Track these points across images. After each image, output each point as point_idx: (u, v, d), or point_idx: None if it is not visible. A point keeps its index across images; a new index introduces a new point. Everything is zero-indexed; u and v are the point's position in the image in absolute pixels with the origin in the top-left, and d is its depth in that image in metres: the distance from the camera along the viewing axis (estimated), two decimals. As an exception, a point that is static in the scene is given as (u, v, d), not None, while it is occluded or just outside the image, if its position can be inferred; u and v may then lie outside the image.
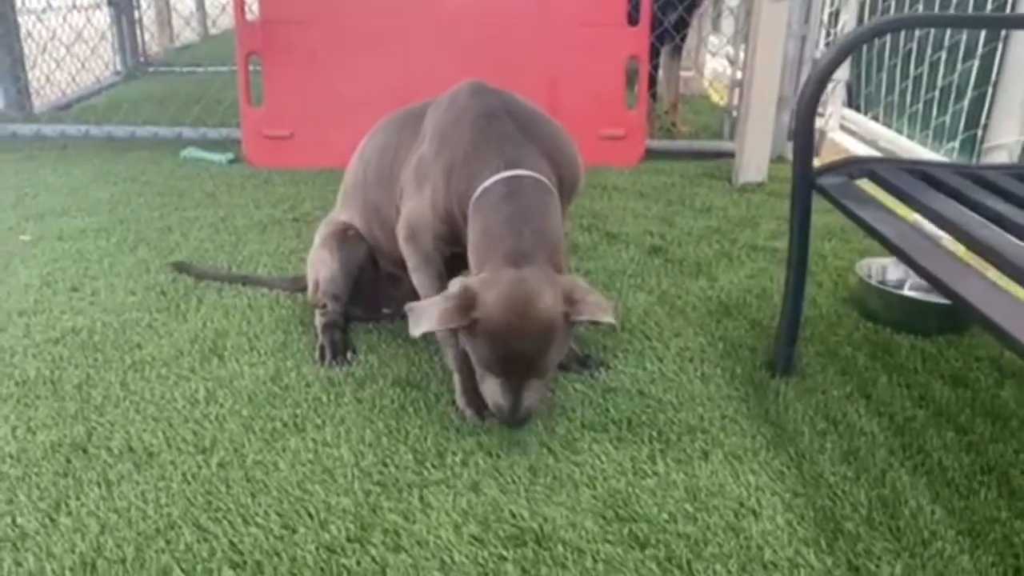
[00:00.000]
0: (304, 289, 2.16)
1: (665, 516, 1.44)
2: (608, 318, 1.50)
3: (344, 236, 2.02)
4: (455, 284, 1.53)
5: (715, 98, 5.32)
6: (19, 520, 1.40)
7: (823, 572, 1.31)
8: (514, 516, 1.43)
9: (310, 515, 1.43)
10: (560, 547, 1.36)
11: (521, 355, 1.49)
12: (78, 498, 1.46)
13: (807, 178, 1.77)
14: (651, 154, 3.87)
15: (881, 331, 2.14)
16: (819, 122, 3.97)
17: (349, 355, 1.95)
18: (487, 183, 1.59)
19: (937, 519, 1.43)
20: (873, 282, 2.23)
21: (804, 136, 1.74)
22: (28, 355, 1.95)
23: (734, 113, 3.93)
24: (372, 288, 2.06)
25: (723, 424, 1.72)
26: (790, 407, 1.78)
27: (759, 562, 1.33)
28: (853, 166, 1.79)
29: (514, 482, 1.52)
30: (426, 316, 1.49)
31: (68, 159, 3.73)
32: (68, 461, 1.56)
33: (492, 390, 1.55)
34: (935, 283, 1.33)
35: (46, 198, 3.16)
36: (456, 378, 1.76)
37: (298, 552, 1.34)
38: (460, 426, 1.70)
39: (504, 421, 1.57)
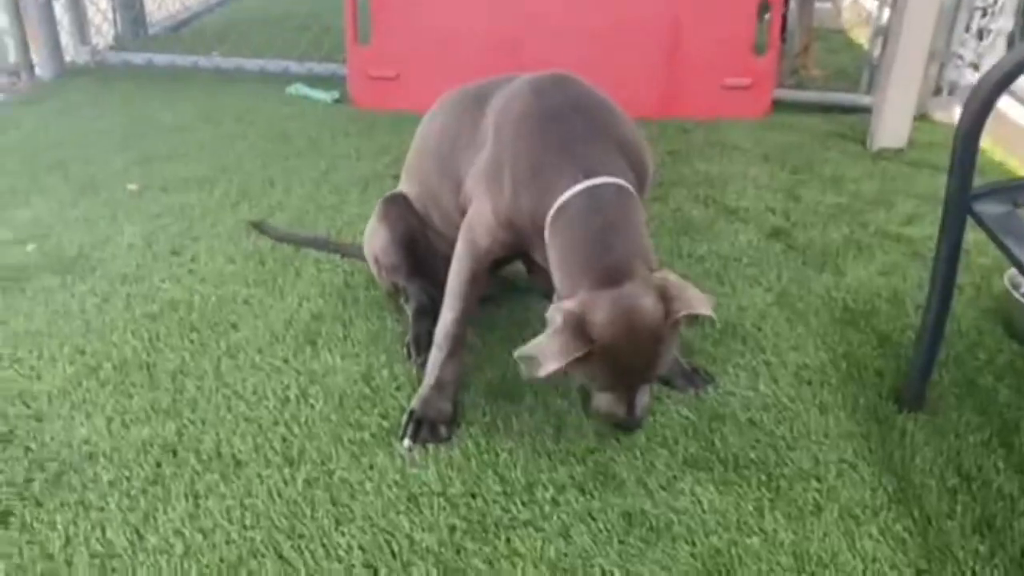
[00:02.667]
0: None
1: (770, 590, 1.32)
2: (706, 310, 1.43)
3: (394, 204, 1.97)
4: (554, 312, 1.42)
5: (855, 36, 4.88)
6: (108, 534, 1.40)
7: None
8: (604, 574, 1.34)
9: (393, 553, 1.38)
10: (653, 620, 1.27)
11: (636, 368, 1.43)
12: (165, 511, 1.45)
13: (962, 202, 1.55)
14: (777, 105, 3.58)
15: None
16: (970, 75, 3.57)
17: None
18: (565, 197, 1.48)
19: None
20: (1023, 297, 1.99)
21: (966, 158, 1.51)
22: (127, 332, 1.95)
23: (875, 63, 3.56)
24: (432, 265, 1.96)
25: (840, 470, 1.58)
26: (918, 453, 1.62)
27: (873, 661, 1.21)
28: (1021, 191, 1.55)
29: (607, 530, 1.43)
30: (546, 355, 1.38)
31: (175, 91, 3.73)
32: (158, 465, 1.55)
33: (607, 402, 1.48)
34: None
35: (153, 139, 3.16)
36: (427, 374, 1.71)
37: (378, 599, 1.29)
38: (553, 451, 1.60)
39: (624, 429, 1.55)
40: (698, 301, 1.42)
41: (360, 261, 2.23)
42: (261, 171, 2.89)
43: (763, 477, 1.55)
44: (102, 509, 1.45)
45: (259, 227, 2.43)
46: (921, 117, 3.42)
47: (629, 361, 1.41)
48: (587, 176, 1.48)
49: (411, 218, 1.96)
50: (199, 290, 2.13)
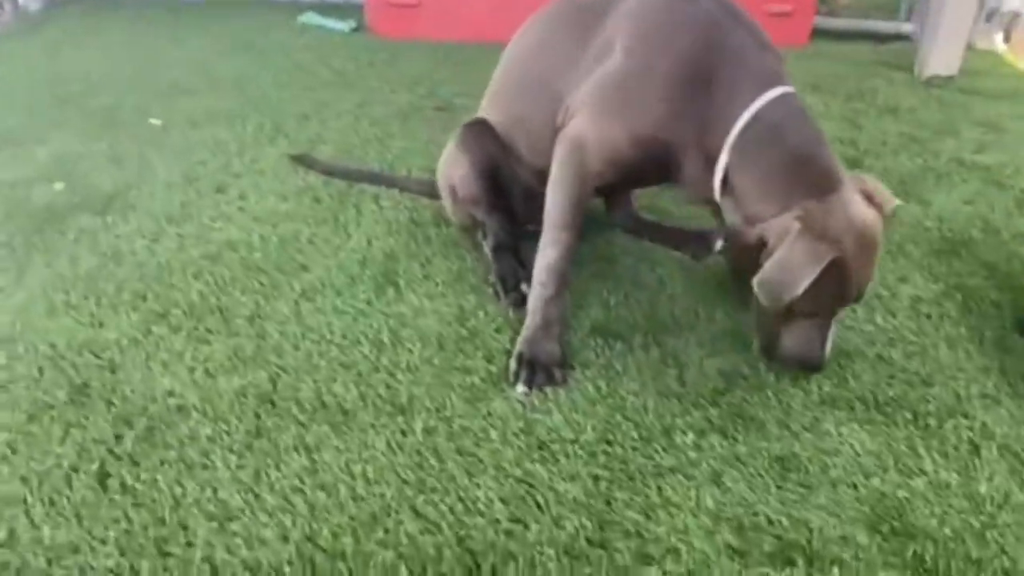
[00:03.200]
0: (437, 196, 1.95)
1: (949, 533, 1.23)
2: (896, 200, 1.44)
3: (476, 131, 1.81)
4: (775, 227, 1.34)
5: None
6: (221, 494, 1.26)
7: None
8: (771, 523, 1.24)
9: (539, 506, 1.26)
10: (836, 569, 1.17)
11: (860, 281, 1.37)
12: (278, 468, 1.31)
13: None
14: (815, 34, 3.45)
15: None
16: (1008, 2, 3.46)
17: (524, 287, 1.73)
18: (753, 110, 1.37)
19: None
20: None
21: None
22: (188, 274, 1.79)
23: (916, -11, 3.44)
24: (511, 198, 1.82)
25: (985, 405, 1.49)
26: (1057, 390, 1.53)
27: (1078, 606, 1.13)
28: None
29: (761, 475, 1.33)
30: (796, 267, 1.29)
31: (178, 22, 3.49)
32: (258, 417, 1.41)
33: (799, 340, 1.41)
34: None
35: (166, 71, 2.95)
36: (530, 314, 1.58)
37: (536, 555, 1.18)
38: (682, 394, 1.49)
39: (809, 369, 1.46)
40: (890, 196, 1.42)
41: (421, 197, 2.08)
42: (291, 104, 2.70)
43: (908, 415, 1.46)
44: (206, 467, 1.31)
45: (305, 161, 2.27)
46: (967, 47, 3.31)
47: (858, 271, 1.34)
48: (768, 87, 1.36)
49: (494, 147, 1.81)
50: (256, 230, 1.97)
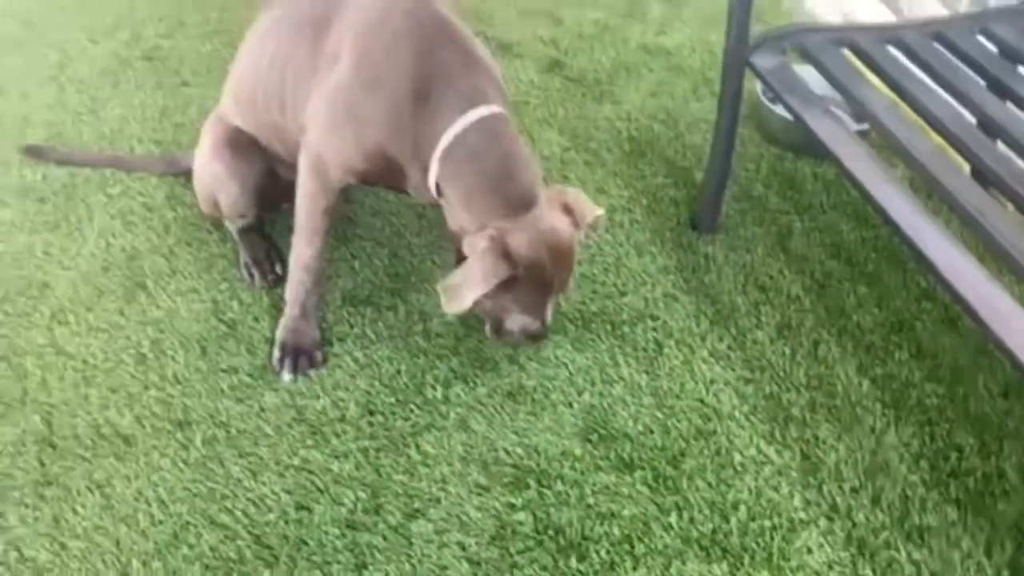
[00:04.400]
0: (185, 172, 2.01)
1: (640, 429, 1.59)
2: (599, 210, 1.61)
3: (239, 146, 1.80)
4: (472, 242, 1.49)
5: None
6: (26, 552, 1.38)
7: (783, 466, 1.53)
8: (508, 454, 1.55)
9: (319, 489, 1.49)
10: (559, 484, 1.50)
11: (555, 284, 1.54)
12: (74, 511, 1.44)
13: (739, 55, 1.75)
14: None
15: (785, 158, 2.25)
16: None
17: (278, 267, 1.88)
18: (457, 129, 1.48)
19: (865, 392, 1.66)
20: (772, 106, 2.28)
21: (742, 12, 1.68)
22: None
23: None
24: (272, 190, 1.87)
25: (667, 304, 1.84)
26: (722, 275, 1.92)
27: (731, 467, 1.53)
28: (788, 39, 1.77)
29: (498, 413, 1.62)
30: (472, 282, 1.45)
31: None
32: (42, 463, 1.51)
33: (522, 322, 1.56)
34: (861, 192, 1.45)
35: None
36: (288, 306, 1.71)
37: (323, 535, 1.42)
38: (428, 348, 1.73)
39: (535, 340, 1.61)
40: (591, 208, 1.59)
41: (151, 174, 2.10)
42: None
43: (608, 327, 1.79)
44: (2, 528, 1.42)
45: (36, 152, 2.17)
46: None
47: (550, 278, 1.50)
48: (473, 106, 1.48)
49: (259, 164, 1.82)
50: (-19, 249, 1.93)
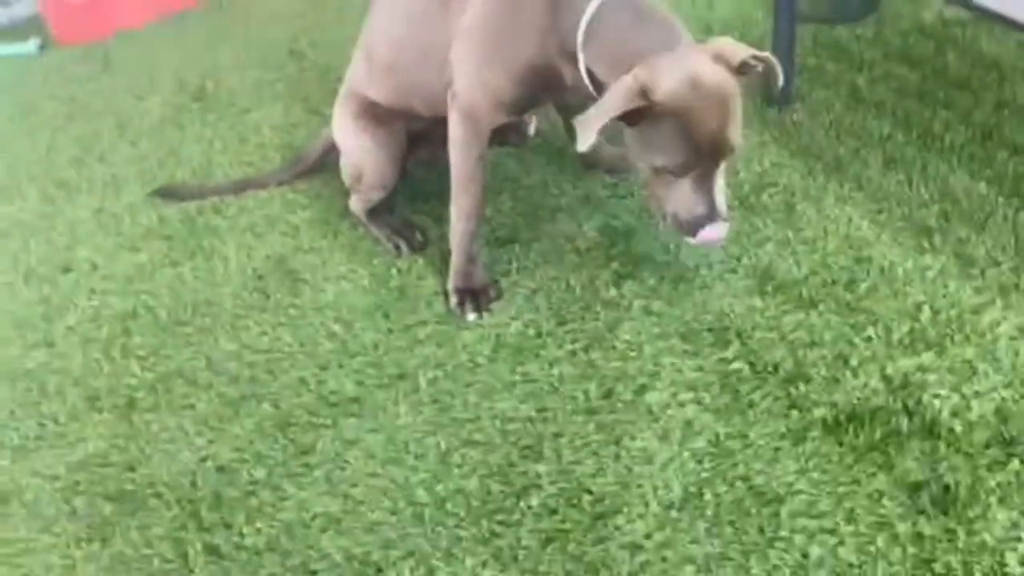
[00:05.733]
0: (315, 164, 2.15)
1: (806, 272, 1.74)
2: (750, 51, 1.48)
3: (385, 121, 1.90)
4: (618, 82, 1.45)
5: None
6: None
7: (943, 268, 1.69)
8: (699, 322, 1.69)
9: (549, 391, 1.62)
10: (758, 332, 1.64)
11: (711, 134, 1.44)
12: (341, 468, 1.55)
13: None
14: None
15: (820, 31, 2.42)
16: None
17: (418, 234, 2.00)
18: (591, 9, 1.51)
19: (984, 192, 1.84)
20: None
21: None
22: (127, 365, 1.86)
23: None
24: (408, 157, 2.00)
25: (779, 170, 2.00)
26: (814, 135, 2.08)
27: (899, 280, 1.69)
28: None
29: (673, 292, 1.76)
30: (600, 111, 1.42)
31: None
32: (289, 439, 1.62)
33: (684, 200, 1.50)
34: None
35: None
36: (455, 254, 1.80)
37: (571, 424, 1.55)
38: (584, 262, 1.86)
39: (708, 224, 1.51)
40: (744, 50, 1.47)
41: (284, 183, 2.21)
42: (52, 153, 2.60)
43: (736, 202, 1.93)
44: (285, 497, 1.53)
45: (169, 192, 2.29)
46: None
47: (702, 124, 1.42)
48: None
49: (403, 137, 1.92)
50: (142, 296, 2.03)
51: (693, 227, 1.53)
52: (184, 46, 3.01)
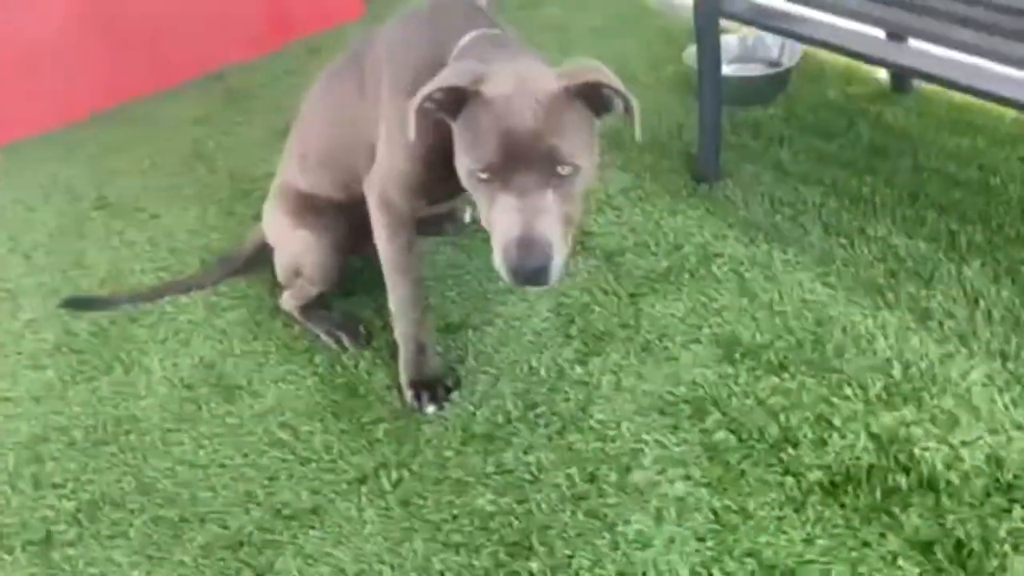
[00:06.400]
0: (246, 265, 2.05)
1: (770, 337, 1.72)
2: (611, 81, 1.33)
3: (324, 212, 1.81)
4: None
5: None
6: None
7: (902, 323, 1.70)
8: (674, 395, 1.63)
9: (528, 481, 1.50)
10: (734, 400, 1.59)
11: (526, 130, 1.28)
12: (308, 587, 1.38)
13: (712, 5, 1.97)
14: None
15: (732, 111, 2.48)
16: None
17: (360, 327, 1.89)
18: (464, 39, 1.47)
19: (924, 251, 1.87)
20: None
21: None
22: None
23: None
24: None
25: (722, 242, 2.00)
26: (750, 206, 2.10)
27: (863, 338, 1.68)
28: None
29: (641, 366, 1.70)
30: (427, 85, 1.33)
31: None
32: (242, 562, 1.44)
33: (501, 214, 1.31)
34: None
35: None
36: (403, 346, 1.70)
37: (558, 516, 1.43)
38: (543, 343, 1.79)
39: (517, 250, 1.28)
40: (600, 72, 1.33)
41: (206, 287, 2.06)
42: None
43: (686, 276, 1.92)
44: (243, 629, 1.34)
45: (78, 303, 2.09)
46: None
47: (515, 117, 1.28)
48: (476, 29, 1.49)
49: (343, 228, 1.81)
50: (45, 421, 1.81)
51: (508, 256, 1.29)
52: (77, 157, 2.83)
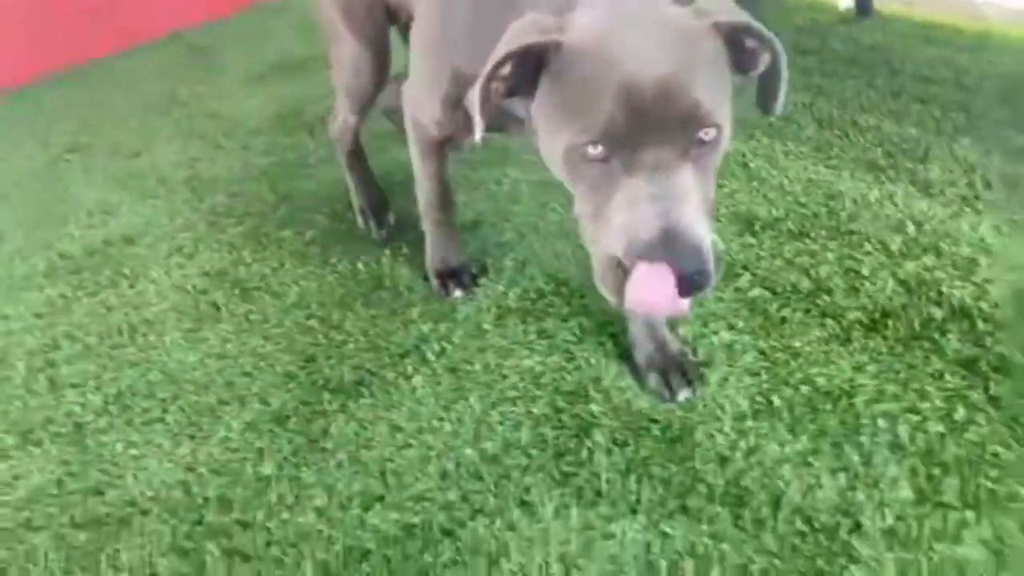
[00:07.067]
0: None
1: (784, 211, 1.77)
2: (763, 31, 1.03)
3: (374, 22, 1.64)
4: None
5: None
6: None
7: (892, 189, 1.77)
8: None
9: (574, 343, 1.51)
10: (767, 238, 1.63)
11: (654, 80, 0.93)
12: (367, 447, 1.36)
13: None
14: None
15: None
16: None
17: (391, 216, 1.89)
18: None
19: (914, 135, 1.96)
20: None
21: None
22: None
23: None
24: None
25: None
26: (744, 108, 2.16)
27: (872, 204, 1.75)
28: None
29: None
30: (484, 71, 1.02)
31: None
32: (307, 420, 1.40)
33: (619, 207, 0.97)
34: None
35: None
36: (429, 238, 1.65)
37: (608, 369, 1.45)
38: (566, 248, 1.80)
39: (666, 255, 0.93)
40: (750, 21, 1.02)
41: None
42: None
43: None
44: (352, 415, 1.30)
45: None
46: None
47: (635, 65, 0.93)
48: None
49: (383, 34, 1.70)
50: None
51: (631, 264, 0.95)
52: (44, 111, 2.74)
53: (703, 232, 0.95)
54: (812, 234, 1.69)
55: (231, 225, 1.98)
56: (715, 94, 0.98)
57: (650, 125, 0.94)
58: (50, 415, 1.49)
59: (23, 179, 2.36)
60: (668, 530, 1.16)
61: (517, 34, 1.01)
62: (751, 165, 1.94)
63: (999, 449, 1.20)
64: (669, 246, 0.92)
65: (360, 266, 1.78)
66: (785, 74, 1.05)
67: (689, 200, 0.96)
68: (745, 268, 1.62)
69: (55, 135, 2.58)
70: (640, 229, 0.94)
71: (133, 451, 1.39)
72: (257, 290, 1.75)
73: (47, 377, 1.59)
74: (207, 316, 1.69)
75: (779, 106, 1.07)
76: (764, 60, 1.06)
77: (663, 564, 1.12)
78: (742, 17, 1.02)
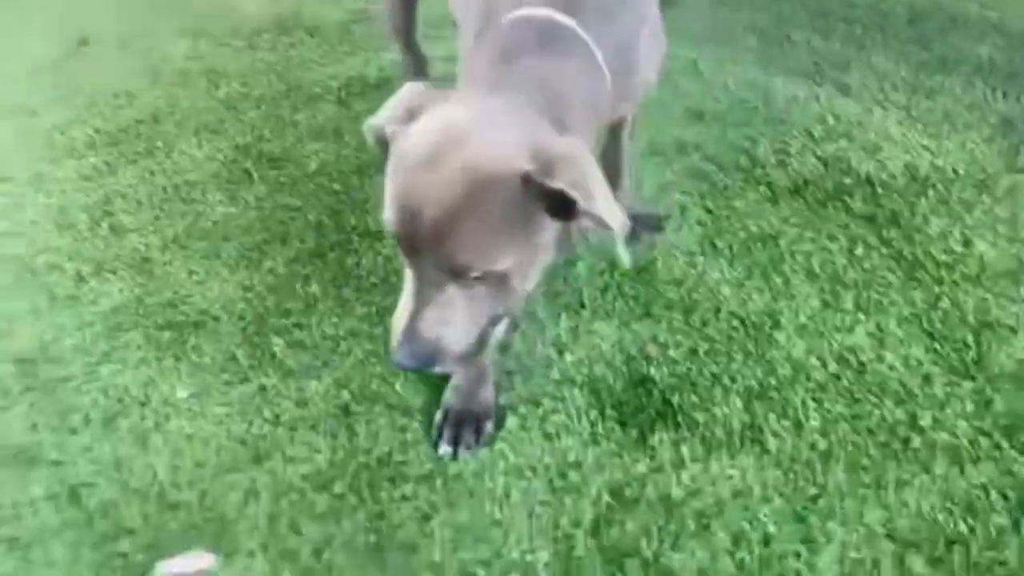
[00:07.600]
0: None
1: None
2: (599, 207, 0.95)
3: None
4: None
5: None
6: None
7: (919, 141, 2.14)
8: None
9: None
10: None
11: (420, 222, 0.96)
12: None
13: None
14: None
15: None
16: None
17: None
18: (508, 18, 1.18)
19: (838, 50, 2.33)
20: None
21: None
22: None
23: None
24: None
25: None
26: (696, 24, 2.49)
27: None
28: None
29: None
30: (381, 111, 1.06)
31: None
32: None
33: (404, 287, 1.05)
34: None
35: None
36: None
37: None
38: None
39: (401, 338, 1.01)
40: (586, 185, 0.95)
41: None
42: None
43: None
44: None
45: None
46: None
47: (410, 190, 0.96)
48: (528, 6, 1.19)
49: None
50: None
51: (392, 342, 1.04)
52: (50, 7, 2.93)
53: (442, 334, 1.01)
54: (751, 123, 2.04)
55: (249, 109, 2.25)
56: (490, 244, 0.96)
57: (416, 247, 0.98)
58: (118, 252, 1.77)
59: (42, 67, 2.56)
60: (636, 328, 1.51)
61: (396, 103, 1.05)
62: (701, 68, 2.28)
63: (887, 273, 1.59)
64: (404, 339, 1.01)
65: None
66: (621, 244, 1.00)
67: (444, 308, 1.00)
68: (696, 148, 1.96)
69: (64, 28, 2.78)
70: (398, 313, 1.04)
71: (196, 277, 1.69)
72: (281, 159, 2.04)
73: (109, 224, 1.86)
74: (241, 180, 1.97)
75: (625, 262, 1.03)
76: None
77: (632, 348, 1.47)
78: (568, 176, 0.94)
